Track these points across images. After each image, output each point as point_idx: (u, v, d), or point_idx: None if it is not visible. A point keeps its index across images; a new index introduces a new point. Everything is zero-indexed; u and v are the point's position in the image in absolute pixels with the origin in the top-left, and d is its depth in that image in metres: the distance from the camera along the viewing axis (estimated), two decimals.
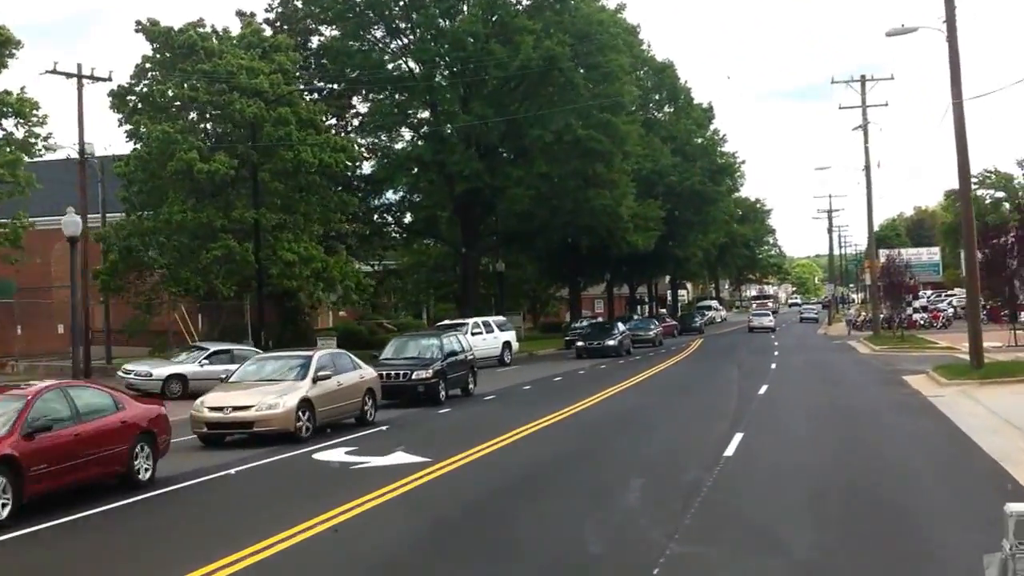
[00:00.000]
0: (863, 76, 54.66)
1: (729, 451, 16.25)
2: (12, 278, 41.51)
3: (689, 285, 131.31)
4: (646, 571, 9.22)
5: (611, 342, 47.55)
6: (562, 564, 9.95)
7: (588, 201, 53.33)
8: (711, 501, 12.42)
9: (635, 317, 72.18)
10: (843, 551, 10.13)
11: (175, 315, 42.82)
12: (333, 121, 51.94)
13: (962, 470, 14.43)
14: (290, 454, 17.68)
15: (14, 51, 36.43)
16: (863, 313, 72.92)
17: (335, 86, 53.24)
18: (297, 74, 46.56)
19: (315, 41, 54.24)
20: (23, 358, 41.23)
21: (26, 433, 12.33)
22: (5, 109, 35.98)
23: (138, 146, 39.80)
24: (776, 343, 56.54)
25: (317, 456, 17.42)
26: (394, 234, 60.53)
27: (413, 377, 26.10)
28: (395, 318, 69.09)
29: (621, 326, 52.00)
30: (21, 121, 36.49)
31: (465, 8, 51.81)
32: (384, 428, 21.29)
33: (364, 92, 54.48)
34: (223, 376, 24.80)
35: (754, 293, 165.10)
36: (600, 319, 66.70)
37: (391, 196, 58.11)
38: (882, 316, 56.44)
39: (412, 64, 53.35)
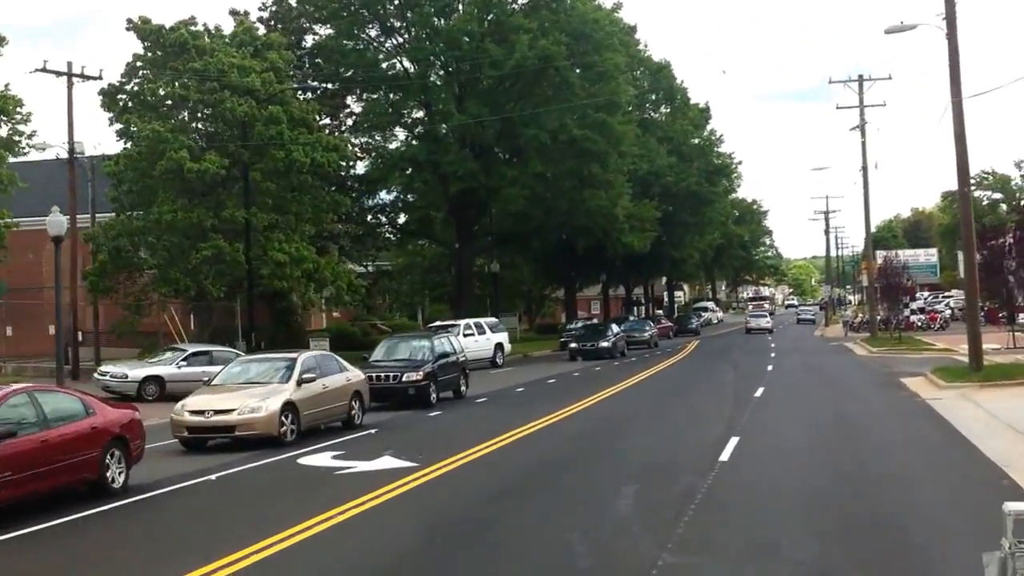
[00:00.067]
0: (860, 76, 54.36)
1: (724, 456, 15.84)
2: (2, 279, 41.07)
3: (686, 286, 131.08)
4: None
5: (604, 344, 47.14)
6: None
7: (583, 202, 53.03)
8: (705, 509, 12.01)
9: (631, 318, 71.79)
10: (842, 562, 9.73)
11: (165, 316, 42.39)
12: (327, 120, 51.60)
13: (963, 476, 14.02)
14: (274, 459, 17.24)
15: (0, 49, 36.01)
16: (860, 314, 72.59)
17: (329, 85, 52.86)
18: (291, 73, 46.16)
19: (309, 40, 54.00)
20: (13, 359, 40.79)
21: None
22: None
23: (128, 145, 39.41)
24: (773, 345, 56.19)
25: (302, 461, 16.99)
26: (388, 235, 60.15)
27: (403, 379, 25.67)
28: (390, 319, 68.72)
29: (615, 327, 51.56)
30: (4, 119, 36.06)
31: (460, 7, 51.43)
32: (373, 431, 20.86)
33: (358, 91, 54.14)
34: (204, 378, 24.39)
35: (750, 294, 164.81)
36: (595, 320, 66.22)
37: (385, 196, 57.79)
38: (879, 317, 56.08)
39: (407, 63, 53.03)
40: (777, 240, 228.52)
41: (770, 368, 37.02)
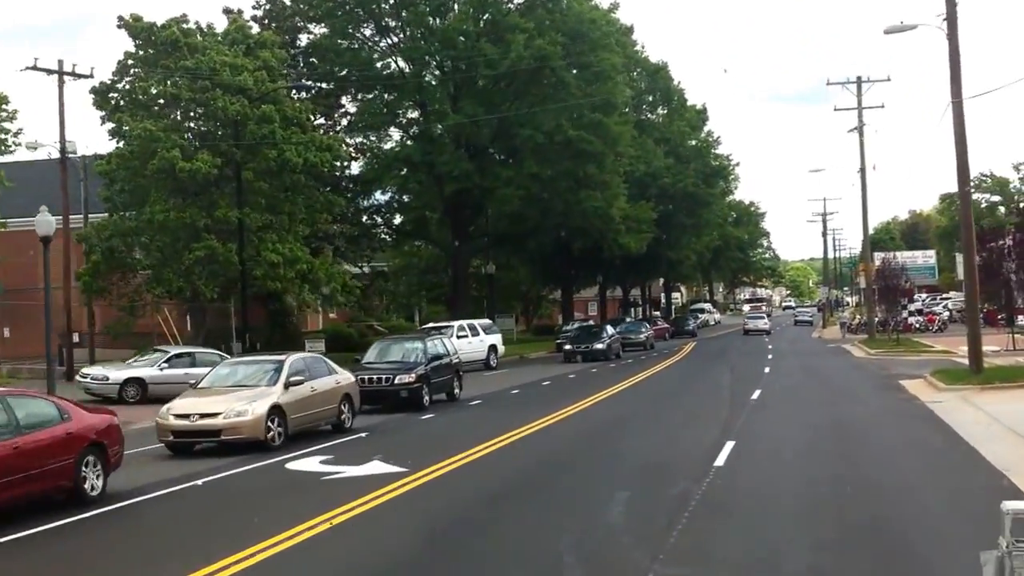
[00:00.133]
0: (859, 77, 54.04)
1: (719, 461, 15.51)
2: None
3: (683, 288, 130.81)
4: None
5: (599, 345, 46.77)
6: None
7: (579, 202, 52.77)
8: (699, 517, 11.68)
9: (627, 319, 71.49)
10: (841, 573, 9.41)
11: (159, 317, 42.06)
12: (322, 120, 51.25)
13: (964, 481, 13.68)
14: (262, 463, 16.90)
15: None
16: (857, 316, 72.34)
17: (324, 85, 52.53)
18: (284, 72, 45.82)
19: (304, 39, 53.60)
20: (11, 360, 40.43)
21: None
22: None
23: (120, 144, 39.06)
24: (770, 346, 55.90)
25: (290, 465, 16.65)
26: (384, 235, 59.83)
27: (396, 382, 25.34)
28: (386, 320, 68.40)
29: (610, 329, 51.19)
30: None
31: (455, 6, 51.13)
32: (363, 435, 20.53)
33: (353, 91, 53.82)
34: (187, 380, 24.07)
35: (747, 296, 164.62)
36: (590, 322, 65.87)
37: (380, 197, 57.47)
38: (877, 319, 55.81)
39: (402, 63, 52.73)
40: (775, 242, 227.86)
41: (767, 370, 36.70)
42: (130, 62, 40.37)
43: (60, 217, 38.40)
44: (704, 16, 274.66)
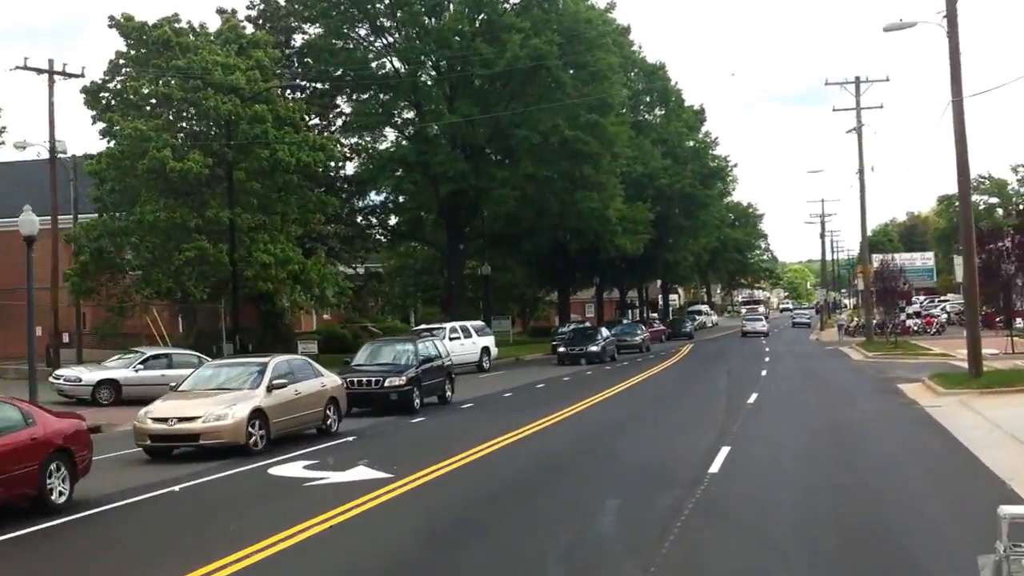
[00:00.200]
0: (857, 77, 53.75)
1: (714, 467, 15.08)
2: None
3: (681, 290, 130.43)
4: None
5: (594, 348, 46.33)
6: None
7: (576, 203, 52.42)
8: (692, 526, 11.24)
9: (624, 321, 71.12)
10: None
11: (148, 318, 41.63)
12: (316, 121, 50.85)
13: (966, 491, 13.24)
14: (243, 468, 16.45)
15: None
16: (855, 318, 71.99)
17: (318, 85, 52.14)
18: (278, 71, 45.43)
19: (298, 39, 53.20)
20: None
21: None
22: None
23: (111, 144, 38.65)
24: (767, 349, 55.49)
25: (272, 471, 16.20)
26: (379, 236, 59.43)
27: (386, 384, 24.87)
28: (381, 322, 68.00)
29: (605, 331, 50.74)
30: None
31: (451, 6, 50.74)
32: (351, 439, 20.09)
33: (348, 91, 53.43)
34: (163, 382, 23.65)
35: (744, 298, 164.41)
36: (585, 324, 65.44)
37: (375, 197, 57.09)
38: (875, 321, 55.44)
39: (397, 63, 52.40)
40: (772, 244, 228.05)
41: (764, 373, 36.29)
42: (121, 61, 40.01)
43: (49, 217, 38.15)
44: (702, 17, 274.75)
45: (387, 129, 54.57)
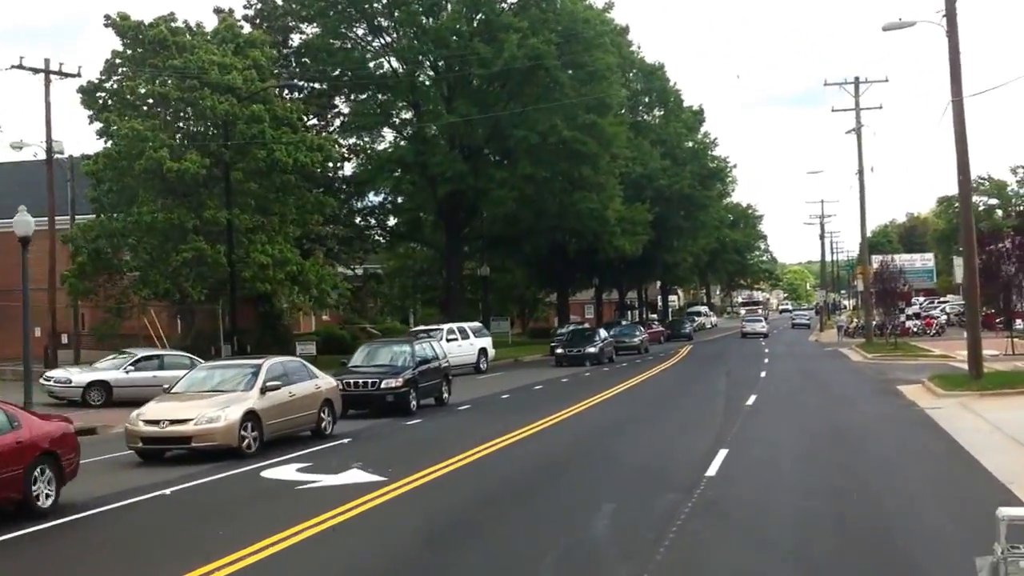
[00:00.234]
0: (856, 78, 53.63)
1: (711, 471, 14.91)
2: None
3: (680, 291, 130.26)
4: None
5: (591, 349, 46.14)
6: None
7: (574, 204, 52.26)
8: (688, 531, 11.08)
9: (623, 323, 70.96)
10: None
11: (145, 319, 41.48)
12: (314, 121, 50.69)
13: (967, 495, 13.06)
14: (236, 471, 16.28)
15: None
16: (854, 319, 71.79)
17: (316, 85, 51.98)
18: (275, 71, 45.27)
19: (296, 39, 53.04)
20: None
21: None
22: None
23: (108, 144, 38.49)
24: (766, 350, 55.29)
25: (265, 473, 16.03)
26: (377, 237, 59.26)
27: (382, 386, 24.71)
28: (380, 323, 67.82)
29: (603, 332, 50.56)
30: None
31: (448, 6, 50.56)
32: (346, 441, 19.91)
33: (346, 92, 53.26)
34: (154, 384, 23.50)
35: (743, 299, 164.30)
36: (584, 325, 65.26)
37: (374, 198, 56.92)
38: (875, 323, 55.28)
39: (395, 63, 52.23)
40: (772, 245, 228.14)
41: (763, 374, 36.11)
42: (118, 61, 39.86)
43: (46, 218, 37.99)
44: (701, 17, 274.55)
45: (385, 129, 54.44)
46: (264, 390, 18.42)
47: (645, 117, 76.26)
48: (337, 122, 54.42)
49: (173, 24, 40.00)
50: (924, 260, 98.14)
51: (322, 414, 20.24)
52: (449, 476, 15.31)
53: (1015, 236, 41.01)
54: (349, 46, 52.27)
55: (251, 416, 17.77)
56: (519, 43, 46.23)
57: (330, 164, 46.92)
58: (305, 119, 45.41)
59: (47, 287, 39.01)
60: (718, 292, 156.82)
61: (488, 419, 23.72)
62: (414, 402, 25.17)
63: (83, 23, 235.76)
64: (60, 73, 38.75)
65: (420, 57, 50.82)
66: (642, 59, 74.48)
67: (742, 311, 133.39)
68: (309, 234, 45.94)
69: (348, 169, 54.17)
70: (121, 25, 39.10)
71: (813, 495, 13.21)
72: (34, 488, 12.46)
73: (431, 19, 50.38)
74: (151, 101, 39.48)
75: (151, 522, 12.93)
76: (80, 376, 30.03)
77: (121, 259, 38.94)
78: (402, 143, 52.68)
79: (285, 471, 16.15)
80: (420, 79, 51.78)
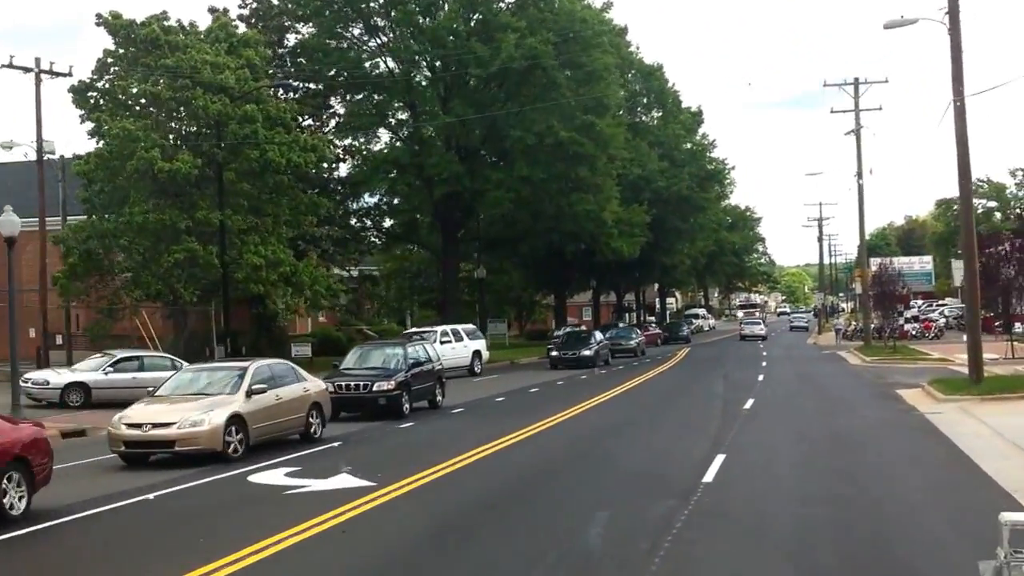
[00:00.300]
0: (856, 79, 53.32)
1: (708, 477, 14.58)
2: None
3: (678, 293, 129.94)
4: None
5: (587, 352, 45.72)
6: None
7: (571, 206, 51.95)
8: (684, 540, 10.74)
9: (620, 325, 70.62)
10: None
11: (137, 321, 41.10)
12: (309, 121, 50.32)
13: (969, 503, 12.72)
14: (222, 475, 15.92)
15: None
16: (853, 322, 71.47)
17: (311, 85, 51.63)
18: (269, 71, 44.92)
19: (291, 39, 52.68)
20: None
21: None
22: None
23: (99, 144, 38.13)
24: (764, 353, 54.95)
25: (252, 478, 15.68)
26: (373, 239, 58.92)
27: (374, 389, 24.35)
28: (376, 324, 67.48)
29: (599, 335, 50.16)
30: None
31: (445, 5, 50.24)
32: (335, 445, 19.55)
33: (342, 92, 52.92)
34: (134, 385, 23.14)
35: (741, 302, 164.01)
36: (580, 327, 64.88)
37: (369, 199, 56.57)
38: (873, 326, 54.97)
39: (391, 63, 51.94)
40: (770, 247, 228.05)
41: (761, 378, 35.77)
42: (110, 60, 39.49)
43: (37, 219, 37.63)
44: (699, 17, 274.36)
45: (381, 130, 54.16)
46: (250, 393, 18.05)
47: (643, 118, 75.91)
48: (333, 123, 54.13)
49: (166, 23, 39.65)
50: (922, 263, 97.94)
51: (311, 417, 19.89)
52: (440, 481, 14.97)
53: (1014, 239, 40.73)
54: (345, 46, 51.96)
55: (236, 420, 17.40)
56: (516, 43, 45.92)
57: (324, 165, 46.57)
58: (299, 119, 45.07)
59: (37, 288, 38.64)
60: (716, 294, 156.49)
61: (481, 422, 23.37)
62: (407, 405, 24.81)
63: (82, 23, 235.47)
64: (51, 72, 38.32)
65: (416, 57, 50.52)
66: (640, 59, 74.19)
67: (740, 313, 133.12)
68: (303, 235, 45.59)
69: (344, 170, 53.94)
70: (113, 24, 38.74)
71: (812, 502, 12.88)
72: (3, 494, 12.05)
73: (428, 19, 50.07)
74: (143, 101, 39.12)
75: (132, 527, 12.56)
76: (58, 378, 29.64)
77: (113, 260, 38.60)
78: (398, 144, 52.39)
79: (273, 475, 15.80)
80: (416, 79, 51.47)
